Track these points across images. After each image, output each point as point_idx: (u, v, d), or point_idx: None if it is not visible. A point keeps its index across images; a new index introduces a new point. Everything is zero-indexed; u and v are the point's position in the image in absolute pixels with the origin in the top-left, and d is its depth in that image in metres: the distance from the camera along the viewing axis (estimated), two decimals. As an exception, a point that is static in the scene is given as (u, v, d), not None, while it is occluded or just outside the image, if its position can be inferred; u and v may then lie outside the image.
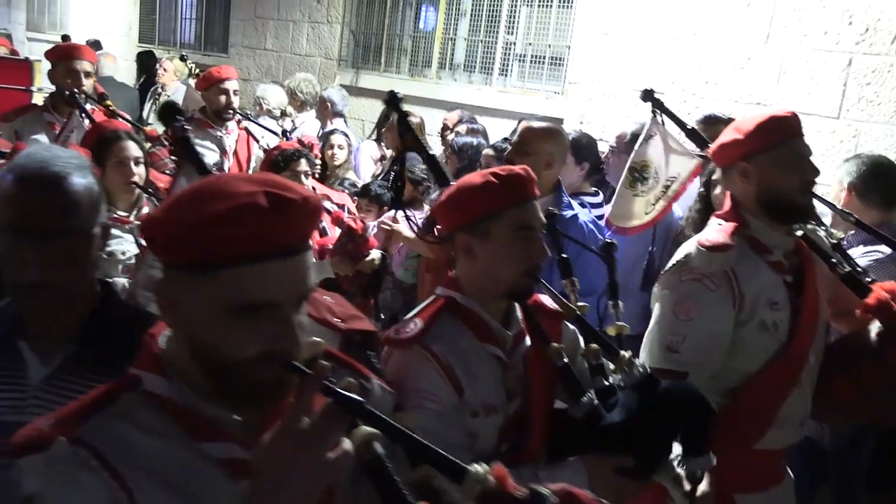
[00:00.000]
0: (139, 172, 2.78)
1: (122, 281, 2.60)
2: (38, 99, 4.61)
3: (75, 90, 3.55)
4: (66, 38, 9.04)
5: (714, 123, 3.40)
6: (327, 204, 3.54)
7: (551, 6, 5.74)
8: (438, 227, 3.70)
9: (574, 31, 5.46)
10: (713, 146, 2.22)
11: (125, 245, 2.73)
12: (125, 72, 9.32)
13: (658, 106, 3.07)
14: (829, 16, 4.18)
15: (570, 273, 2.02)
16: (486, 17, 6.22)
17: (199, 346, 1.01)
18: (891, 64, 4.02)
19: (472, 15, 6.37)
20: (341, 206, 3.70)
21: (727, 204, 2.15)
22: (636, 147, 3.04)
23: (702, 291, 2.00)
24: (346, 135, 4.75)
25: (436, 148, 4.90)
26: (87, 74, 3.65)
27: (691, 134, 3.01)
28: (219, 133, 4.28)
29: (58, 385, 1.37)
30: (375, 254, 3.42)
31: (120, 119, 3.59)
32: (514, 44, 6.03)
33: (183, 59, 6.54)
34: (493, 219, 1.65)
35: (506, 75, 6.11)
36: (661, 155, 3.01)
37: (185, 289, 0.99)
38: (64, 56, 3.68)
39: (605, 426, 1.58)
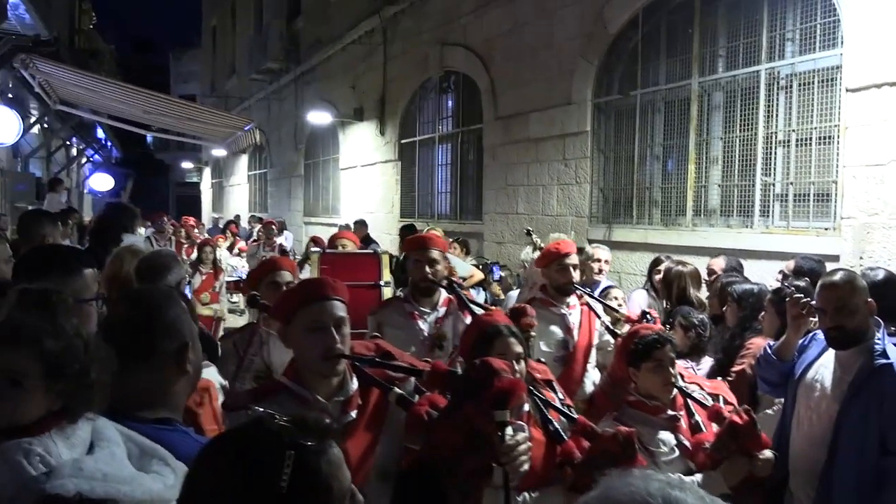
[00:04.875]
0: (520, 370, 2.37)
1: None
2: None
3: (439, 279, 3.69)
4: (412, 227, 9.07)
5: None
6: (699, 393, 2.84)
7: (811, 143, 5.60)
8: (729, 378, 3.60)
9: (840, 165, 5.26)
10: None
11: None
12: (388, 245, 10.33)
13: None
14: None
15: None
16: (738, 161, 6.19)
17: None
18: None
19: (724, 161, 6.38)
20: (715, 396, 2.89)
21: None
22: None
23: None
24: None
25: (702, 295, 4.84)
26: (436, 262, 3.69)
27: None
28: (561, 311, 4.12)
29: None
30: (768, 453, 2.55)
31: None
32: (773, 184, 5.90)
33: (529, 233, 6.04)
34: None
35: (767, 216, 5.96)
36: None
37: None
38: (416, 246, 3.81)
39: None
